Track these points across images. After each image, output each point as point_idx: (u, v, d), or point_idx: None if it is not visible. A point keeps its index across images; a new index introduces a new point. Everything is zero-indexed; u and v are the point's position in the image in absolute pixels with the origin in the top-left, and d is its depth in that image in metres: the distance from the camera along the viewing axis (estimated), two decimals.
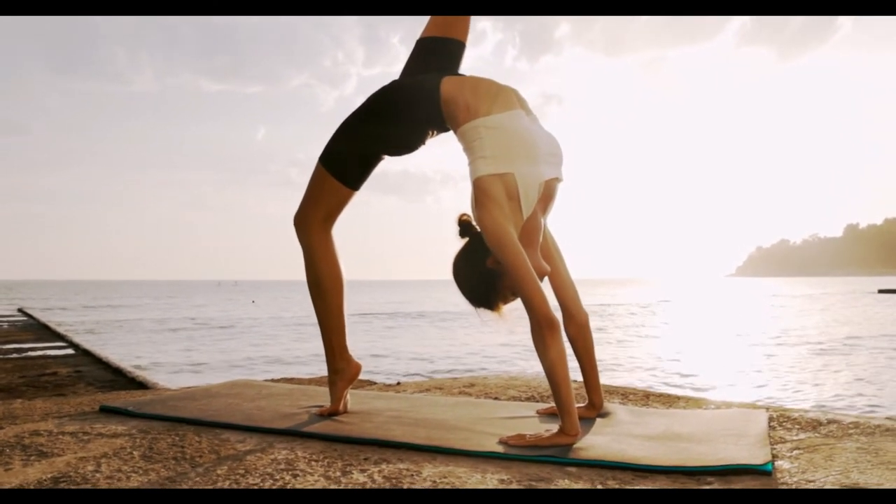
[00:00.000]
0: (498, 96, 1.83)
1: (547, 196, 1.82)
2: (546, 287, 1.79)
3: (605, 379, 2.23)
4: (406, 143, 2.00)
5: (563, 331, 1.71)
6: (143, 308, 34.91)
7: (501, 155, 1.73)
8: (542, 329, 1.63)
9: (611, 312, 28.56)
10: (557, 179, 1.84)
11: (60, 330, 10.00)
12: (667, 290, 71.18)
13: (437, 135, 2.00)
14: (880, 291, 51.06)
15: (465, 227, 1.85)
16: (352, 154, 2.00)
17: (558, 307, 1.90)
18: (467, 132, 1.80)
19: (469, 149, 1.80)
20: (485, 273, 1.79)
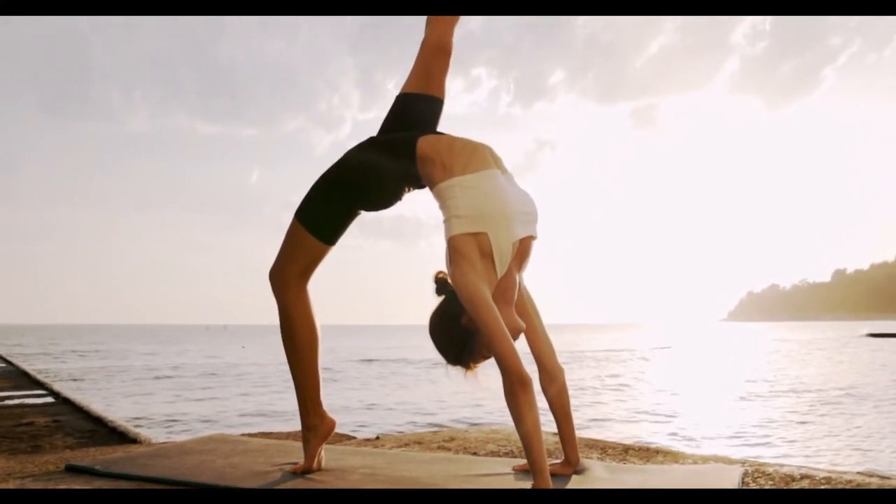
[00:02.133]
0: (473, 156, 1.85)
1: (521, 254, 1.84)
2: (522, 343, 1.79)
3: (596, 431, 2.21)
4: (382, 200, 2.01)
5: (537, 387, 1.71)
6: (130, 354, 34.48)
7: (475, 215, 1.75)
8: (514, 387, 1.62)
9: (615, 359, 28.38)
10: (532, 237, 1.85)
11: (40, 377, 9.84)
12: (664, 335, 71.01)
13: (412, 191, 2.02)
14: (868, 335, 51.20)
15: (440, 284, 1.86)
16: (328, 209, 2.01)
17: (534, 363, 1.90)
18: (443, 191, 1.82)
19: (444, 207, 1.82)
20: (459, 331, 1.79)
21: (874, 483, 1.76)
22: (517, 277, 1.85)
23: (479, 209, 1.75)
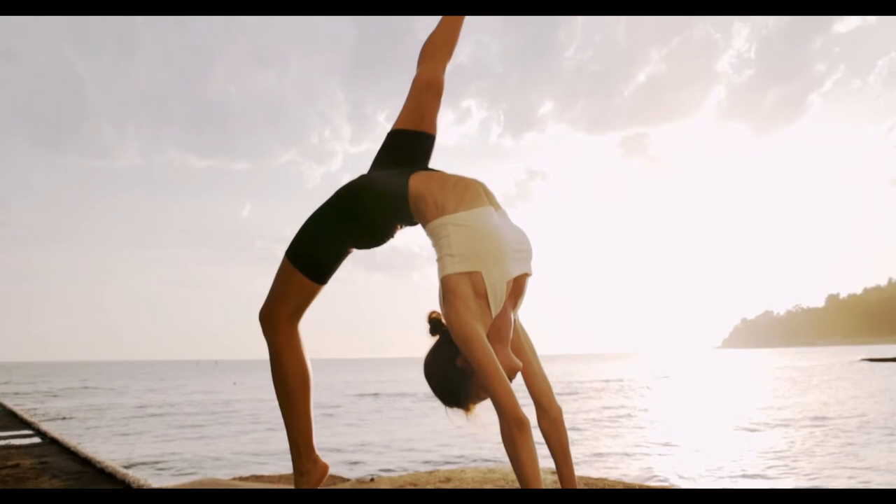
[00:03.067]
0: (466, 193, 1.83)
1: (516, 292, 1.81)
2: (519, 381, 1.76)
3: (596, 468, 2.16)
4: (374, 238, 1.99)
5: (536, 426, 1.67)
6: (119, 392, 34.02)
7: (469, 253, 1.72)
8: (511, 429, 1.58)
9: (613, 389, 28.14)
10: (526, 275, 1.83)
11: (27, 417, 9.66)
12: (660, 364, 70.63)
13: (404, 228, 2.00)
14: (864, 360, 51.22)
15: (434, 324, 1.83)
16: (319, 248, 1.98)
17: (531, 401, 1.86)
18: (435, 229, 1.79)
19: (437, 245, 1.79)
20: (455, 372, 1.75)
21: None
22: (512, 316, 1.82)
23: (473, 247, 1.73)
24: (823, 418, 14.93)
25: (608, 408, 18.42)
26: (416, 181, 1.88)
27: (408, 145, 2.14)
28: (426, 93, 2.18)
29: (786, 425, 14.15)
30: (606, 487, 2.45)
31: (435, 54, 2.26)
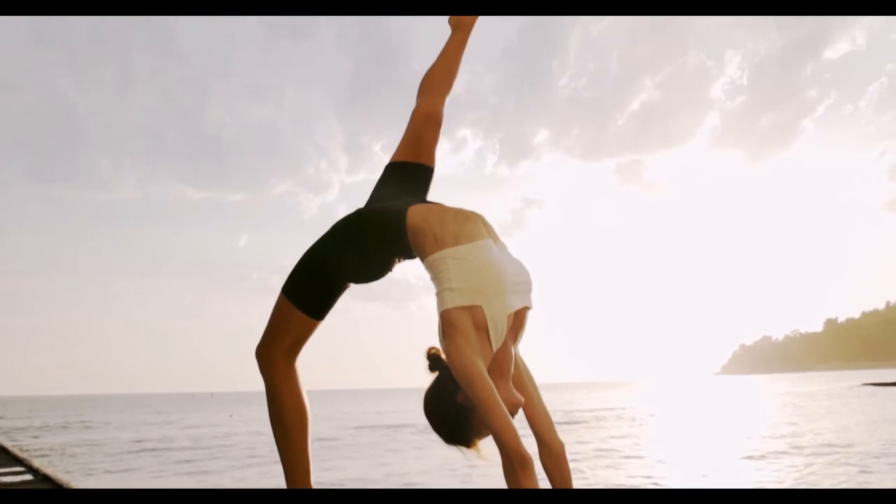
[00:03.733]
0: (465, 226, 1.80)
1: (517, 326, 1.77)
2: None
3: None
4: (372, 272, 1.96)
5: (537, 463, 1.62)
6: (117, 426, 33.63)
7: (469, 287, 1.69)
8: (514, 466, 1.54)
9: (616, 418, 27.83)
10: (527, 308, 1.80)
11: (19, 453, 9.50)
12: (661, 392, 70.08)
13: (402, 261, 1.97)
14: (864, 385, 51.02)
15: (433, 360, 1.78)
16: (316, 283, 1.95)
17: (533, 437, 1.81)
18: (434, 262, 1.76)
19: (436, 279, 1.76)
20: (456, 408, 1.71)
21: None
22: (513, 350, 1.78)
23: (473, 281, 1.69)
24: (832, 445, 14.78)
25: (614, 437, 18.22)
26: (414, 214, 1.85)
27: (406, 178, 2.12)
28: (425, 125, 2.18)
29: (796, 454, 13.98)
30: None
31: (434, 87, 2.26)
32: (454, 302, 1.68)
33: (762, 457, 13.56)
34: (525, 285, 1.80)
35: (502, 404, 1.60)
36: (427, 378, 1.82)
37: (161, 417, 43.18)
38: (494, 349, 1.70)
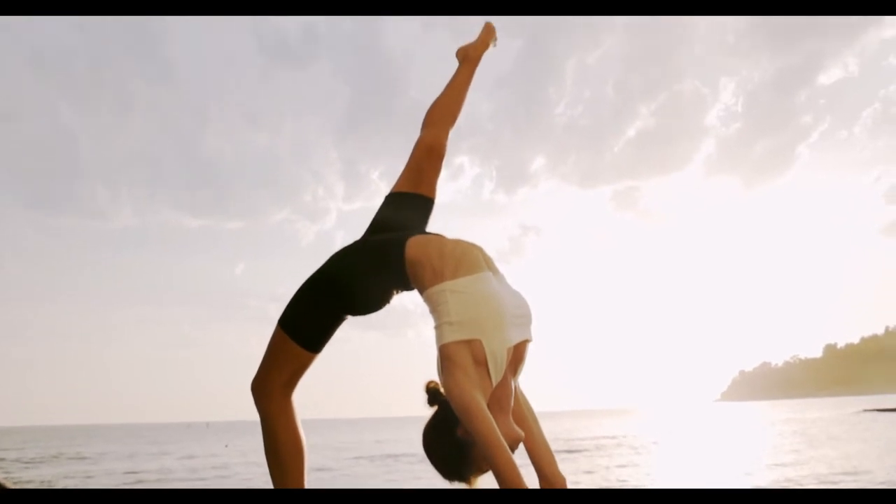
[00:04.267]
0: (464, 258, 1.78)
1: (516, 359, 1.75)
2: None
3: None
4: (370, 304, 1.93)
5: None
6: (108, 457, 33.24)
7: (468, 320, 1.66)
8: None
9: (620, 446, 27.52)
10: (527, 341, 1.77)
11: (10, 486, 9.31)
12: (662, 419, 69.52)
13: (401, 293, 1.92)
14: (865, 411, 50.84)
15: (432, 394, 1.75)
16: (313, 316, 1.92)
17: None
18: (433, 296, 1.74)
19: (435, 313, 1.73)
20: (455, 444, 1.68)
21: None
22: (513, 383, 1.74)
23: (472, 315, 1.67)
24: (845, 473, 14.59)
25: (619, 466, 17.99)
26: (412, 246, 1.82)
27: (405, 208, 2.11)
28: (427, 157, 2.17)
29: (809, 483, 13.79)
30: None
31: (438, 119, 2.26)
32: (453, 336, 1.65)
33: (771, 486, 13.40)
34: (525, 318, 1.77)
35: (503, 439, 1.57)
36: (426, 411, 1.78)
37: (157, 448, 42.69)
38: (494, 383, 1.68)
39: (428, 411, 1.79)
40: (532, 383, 1.94)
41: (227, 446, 41.12)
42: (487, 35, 2.51)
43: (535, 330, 1.82)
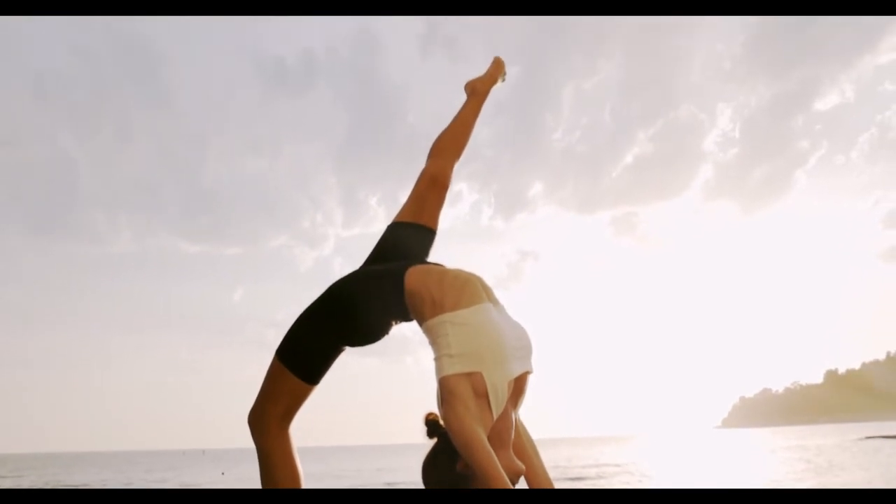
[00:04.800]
0: (464, 289, 1.77)
1: (517, 392, 1.73)
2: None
3: None
4: (368, 335, 1.91)
5: None
6: (107, 486, 32.81)
7: (468, 353, 1.65)
8: None
9: (627, 473, 27.16)
10: (527, 373, 1.74)
11: None
12: (664, 446, 68.73)
13: (400, 323, 1.90)
14: (868, 438, 50.47)
15: (432, 427, 1.73)
16: (311, 347, 1.91)
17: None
18: (433, 328, 1.72)
19: (435, 345, 1.72)
20: (455, 478, 1.66)
21: None
22: (513, 416, 1.71)
23: (473, 347, 1.65)
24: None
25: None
26: (412, 277, 1.81)
27: (406, 238, 2.11)
28: (430, 188, 2.18)
29: None
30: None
31: (444, 151, 2.27)
32: (453, 369, 1.64)
33: None
34: (525, 350, 1.76)
35: (503, 473, 1.55)
36: (425, 438, 1.76)
37: (153, 475, 42.17)
38: (495, 416, 1.66)
39: (427, 440, 1.76)
40: (530, 409, 1.92)
41: (223, 474, 40.63)
42: (496, 70, 2.52)
43: (535, 355, 1.80)
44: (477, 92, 2.43)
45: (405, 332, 2.00)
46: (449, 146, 2.29)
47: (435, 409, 1.74)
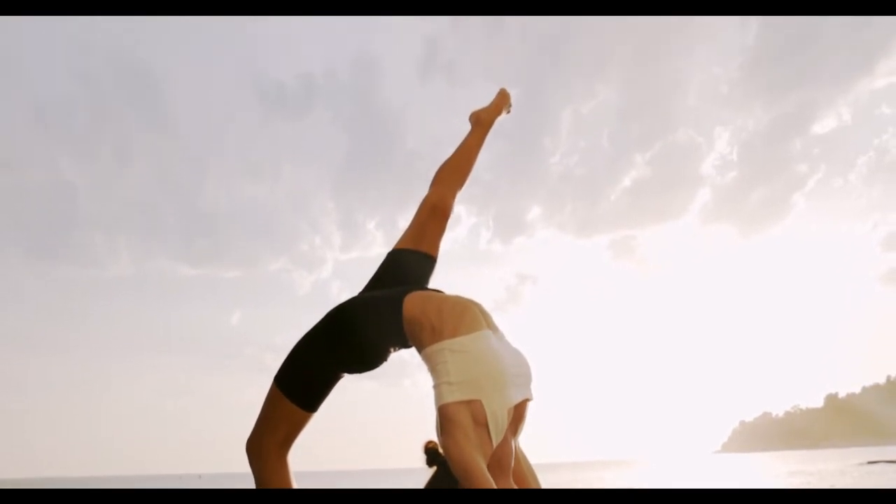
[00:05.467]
0: (463, 316, 1.76)
1: (517, 419, 1.72)
2: None
3: None
4: (366, 362, 1.91)
5: None
6: None
7: (468, 381, 1.64)
8: None
9: None
10: (527, 400, 1.73)
11: None
12: (665, 471, 68.01)
13: (399, 350, 1.89)
14: (871, 462, 50.08)
15: (431, 455, 1.72)
16: (309, 374, 1.90)
17: None
18: (432, 355, 1.72)
19: (434, 372, 1.71)
20: None
21: None
22: (513, 444, 1.69)
23: (472, 374, 1.64)
24: None
25: None
26: (410, 304, 1.81)
27: (406, 265, 2.12)
28: (430, 215, 2.20)
29: None
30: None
31: (446, 179, 2.29)
32: (452, 396, 1.63)
33: None
34: (525, 377, 1.75)
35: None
36: (423, 463, 1.74)
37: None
38: (494, 444, 1.65)
39: (427, 474, 1.75)
40: (531, 434, 1.90)
41: (200, 477, 40.06)
42: (501, 101, 2.54)
43: (533, 381, 1.79)
44: (481, 122, 2.45)
45: (403, 356, 1.99)
46: (451, 175, 2.31)
47: (434, 436, 1.72)
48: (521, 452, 1.83)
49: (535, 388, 1.79)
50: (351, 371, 1.93)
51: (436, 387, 1.69)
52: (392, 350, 1.92)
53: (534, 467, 1.88)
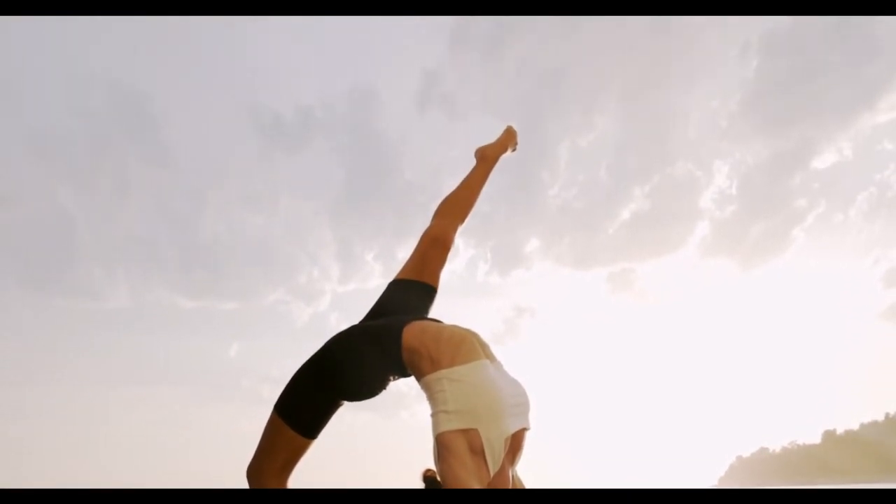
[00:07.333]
0: (461, 346, 1.77)
1: (514, 448, 1.73)
2: None
3: None
4: (365, 390, 1.92)
5: None
6: None
7: (465, 410, 1.65)
8: None
9: None
10: (525, 429, 1.74)
11: None
12: None
13: (397, 379, 1.91)
14: None
15: (429, 483, 1.72)
16: (309, 402, 1.91)
17: None
18: (430, 384, 1.73)
19: (432, 401, 1.73)
20: None
21: None
22: (511, 473, 1.70)
23: (469, 404, 1.66)
24: None
25: None
26: (409, 334, 1.82)
27: (406, 295, 2.13)
28: (431, 247, 2.21)
29: None
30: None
31: (448, 212, 2.32)
32: (450, 425, 1.64)
33: None
34: (522, 407, 1.76)
35: None
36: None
37: None
38: (492, 473, 1.65)
39: None
40: (528, 466, 1.91)
41: None
42: (507, 138, 2.59)
43: (531, 412, 1.80)
44: (486, 158, 2.49)
45: (400, 387, 2.01)
46: (453, 209, 2.34)
47: (432, 464, 1.73)
48: (519, 481, 1.83)
49: (534, 420, 1.80)
50: (350, 399, 1.94)
51: (434, 415, 1.70)
52: (391, 379, 1.93)
53: None
